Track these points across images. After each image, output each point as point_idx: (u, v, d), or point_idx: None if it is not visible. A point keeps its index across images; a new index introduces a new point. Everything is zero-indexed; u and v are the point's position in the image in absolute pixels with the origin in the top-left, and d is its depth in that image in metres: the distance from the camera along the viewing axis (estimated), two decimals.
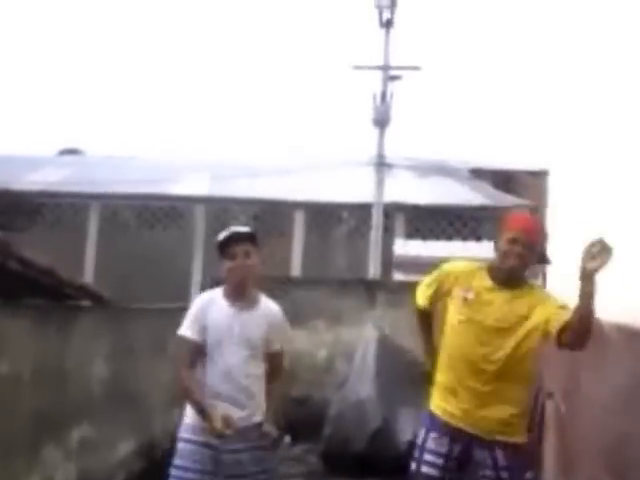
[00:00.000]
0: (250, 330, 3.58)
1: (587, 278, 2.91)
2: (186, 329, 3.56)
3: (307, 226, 16.93)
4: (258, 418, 3.54)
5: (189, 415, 3.54)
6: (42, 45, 40.25)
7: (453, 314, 3.37)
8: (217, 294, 3.64)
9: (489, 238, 13.76)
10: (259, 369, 3.62)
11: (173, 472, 3.48)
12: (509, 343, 3.21)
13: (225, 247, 3.56)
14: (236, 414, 3.42)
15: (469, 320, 3.29)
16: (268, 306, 3.71)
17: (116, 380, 5.72)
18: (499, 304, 3.25)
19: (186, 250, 16.46)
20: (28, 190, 16.45)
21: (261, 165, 18.04)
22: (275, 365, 3.72)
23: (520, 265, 3.22)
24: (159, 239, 16.72)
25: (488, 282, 3.29)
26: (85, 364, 5.23)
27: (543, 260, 3.36)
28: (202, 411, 3.38)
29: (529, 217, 3.41)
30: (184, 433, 3.55)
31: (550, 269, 5.58)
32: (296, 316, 8.60)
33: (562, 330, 3.08)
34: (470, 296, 3.28)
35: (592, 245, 2.86)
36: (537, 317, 3.19)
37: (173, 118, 40.68)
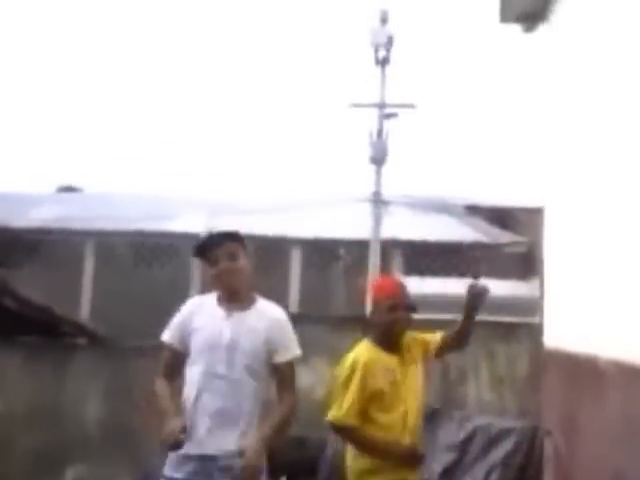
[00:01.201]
0: (244, 335, 3.10)
1: (471, 315, 3.40)
2: (167, 334, 3.22)
3: (304, 263, 16.94)
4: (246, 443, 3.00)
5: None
6: (40, 83, 40.67)
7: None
8: (209, 298, 3.25)
9: (487, 275, 13.78)
10: (255, 384, 3.09)
11: None
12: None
13: (206, 252, 3.19)
14: (221, 435, 3.00)
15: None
16: (267, 308, 3.23)
17: (111, 418, 5.67)
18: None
19: (183, 287, 16.42)
20: (26, 227, 16.47)
21: (258, 201, 18.11)
22: (282, 380, 3.15)
23: (408, 325, 3.48)
24: (156, 276, 16.70)
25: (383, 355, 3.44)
26: (80, 402, 5.19)
27: (412, 309, 3.57)
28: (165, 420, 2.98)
29: (389, 279, 3.85)
30: (166, 470, 3.10)
31: (547, 303, 5.58)
32: None
33: (442, 342, 3.53)
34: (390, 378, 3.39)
35: (472, 287, 3.37)
36: (417, 352, 3.53)
37: (170, 155, 40.95)
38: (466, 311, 3.42)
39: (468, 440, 6.10)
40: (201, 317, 3.18)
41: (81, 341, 5.97)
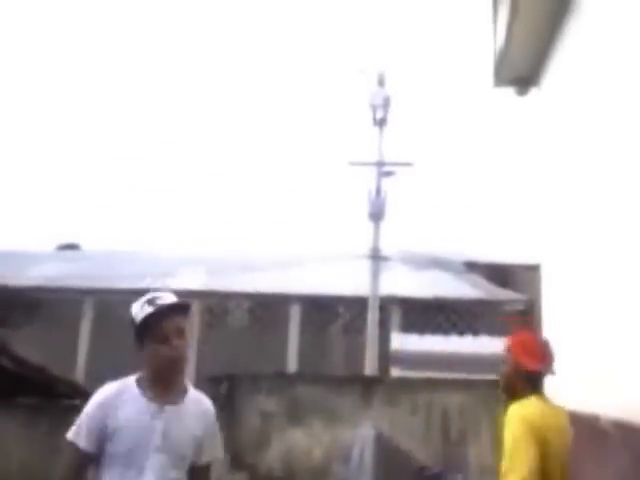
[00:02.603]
0: (178, 434, 2.67)
1: None
2: (77, 435, 2.64)
3: (303, 320, 16.87)
4: None
5: None
6: (39, 140, 41.19)
7: None
8: (127, 386, 2.73)
9: (485, 332, 13.72)
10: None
11: None
12: None
13: (151, 325, 2.69)
14: None
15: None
16: (200, 401, 2.80)
17: None
18: None
19: None
20: (24, 285, 16.47)
21: (257, 259, 18.15)
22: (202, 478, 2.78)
23: None
24: None
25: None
26: None
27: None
28: None
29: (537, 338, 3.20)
30: None
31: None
32: (292, 414, 8.51)
33: None
34: None
35: None
36: None
37: (169, 213, 41.18)
38: None
39: None
40: (123, 413, 2.65)
41: (77, 402, 5.91)
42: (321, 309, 16.90)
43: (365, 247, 15.86)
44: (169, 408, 2.68)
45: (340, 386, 8.71)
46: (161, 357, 2.65)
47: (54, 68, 43.37)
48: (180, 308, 2.74)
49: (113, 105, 43.15)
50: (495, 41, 6.21)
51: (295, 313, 16.82)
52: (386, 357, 13.60)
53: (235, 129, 42.33)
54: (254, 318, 15.88)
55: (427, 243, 19.21)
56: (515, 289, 16.45)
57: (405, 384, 8.25)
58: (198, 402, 2.78)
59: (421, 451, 6.60)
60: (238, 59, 44.97)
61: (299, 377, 11.60)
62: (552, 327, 5.41)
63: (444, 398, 7.37)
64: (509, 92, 6.24)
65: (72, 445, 2.63)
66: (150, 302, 2.73)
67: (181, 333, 2.68)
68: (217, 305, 16.83)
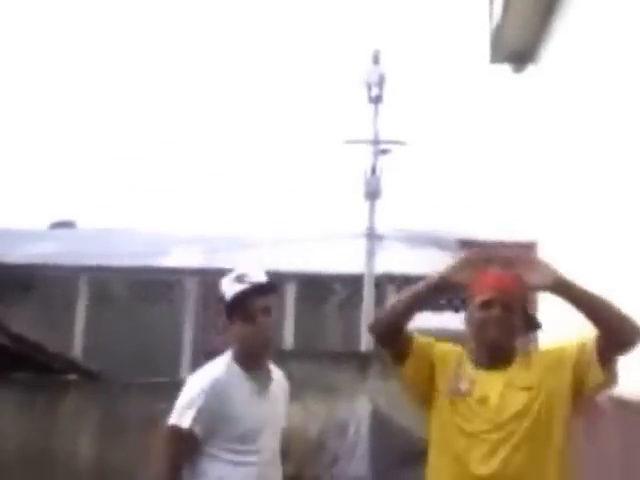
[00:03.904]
0: (278, 413, 2.77)
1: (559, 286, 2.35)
2: (190, 418, 2.55)
3: (299, 298, 16.92)
4: None
5: None
6: (34, 118, 40.89)
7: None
8: (230, 367, 2.66)
9: None
10: (279, 462, 2.79)
11: None
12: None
13: (239, 303, 2.61)
14: None
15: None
16: (280, 379, 2.85)
17: (103, 455, 5.61)
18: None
19: (177, 323, 16.37)
20: (19, 263, 16.45)
21: (253, 237, 18.14)
22: (283, 445, 2.86)
23: (504, 333, 2.42)
24: (149, 312, 16.64)
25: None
26: (72, 440, 5.14)
27: (532, 325, 2.59)
28: None
29: (503, 273, 2.46)
30: None
31: (542, 338, 5.55)
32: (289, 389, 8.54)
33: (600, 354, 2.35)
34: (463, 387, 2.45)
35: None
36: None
37: (165, 191, 41.10)
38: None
39: None
40: (234, 395, 2.61)
41: (73, 377, 5.94)
42: (317, 287, 16.94)
43: (361, 225, 15.89)
44: (268, 390, 2.70)
45: (336, 362, 8.75)
46: (248, 336, 2.61)
47: (48, 47, 43.00)
48: (269, 286, 2.69)
49: (108, 82, 42.87)
50: (491, 17, 6.17)
51: (291, 291, 16.86)
52: None
53: (230, 107, 42.15)
54: None
55: (423, 221, 19.22)
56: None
57: None
58: (280, 380, 2.82)
59: (417, 426, 6.66)
60: (233, 37, 44.63)
61: (295, 353, 11.66)
62: (549, 304, 5.43)
63: None
64: (506, 69, 6.22)
65: (182, 431, 2.55)
66: (239, 279, 2.65)
67: (268, 312, 2.64)
68: (213, 283, 16.86)
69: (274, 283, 2.75)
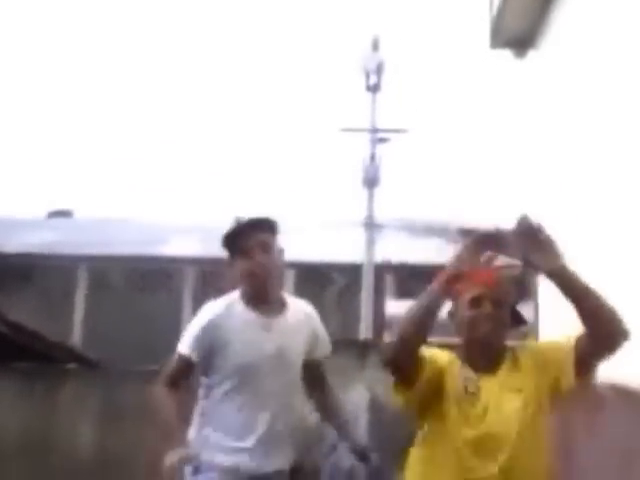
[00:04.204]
0: (288, 347, 2.74)
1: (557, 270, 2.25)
2: (187, 346, 2.68)
3: (297, 286, 16.91)
4: (304, 457, 2.88)
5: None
6: (31, 107, 40.77)
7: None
8: (233, 302, 2.75)
9: None
10: (300, 398, 2.85)
11: None
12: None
13: (236, 241, 2.71)
14: (275, 455, 2.72)
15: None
16: (300, 308, 2.85)
17: (102, 445, 5.61)
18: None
19: (176, 311, 16.36)
20: (17, 252, 16.42)
21: None
22: (321, 374, 2.95)
23: (495, 330, 2.35)
24: (148, 300, 16.64)
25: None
26: (71, 428, 5.14)
27: (518, 320, 2.51)
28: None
29: (490, 269, 2.42)
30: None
31: (542, 326, 5.56)
32: None
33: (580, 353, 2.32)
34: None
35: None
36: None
37: (162, 179, 41.01)
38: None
39: None
40: (232, 327, 2.68)
41: (72, 366, 5.93)
42: (315, 276, 16.93)
43: (360, 214, 15.86)
44: (275, 321, 2.72)
45: (334, 350, 8.75)
46: (245, 272, 2.69)
47: (48, 38, 42.79)
48: (263, 224, 2.75)
49: (105, 71, 42.70)
50: (492, 2, 6.13)
51: (289, 279, 16.85)
52: (381, 323, 13.68)
53: (228, 95, 41.99)
54: None
55: (422, 209, 19.20)
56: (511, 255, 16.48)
57: None
58: (300, 309, 2.84)
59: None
60: (230, 24, 44.44)
61: None
62: (547, 292, 5.42)
63: None
64: (506, 54, 6.18)
65: (181, 356, 2.68)
66: (236, 220, 2.75)
67: (266, 248, 2.69)
68: (211, 272, 16.85)
69: (270, 221, 2.78)
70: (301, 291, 17.13)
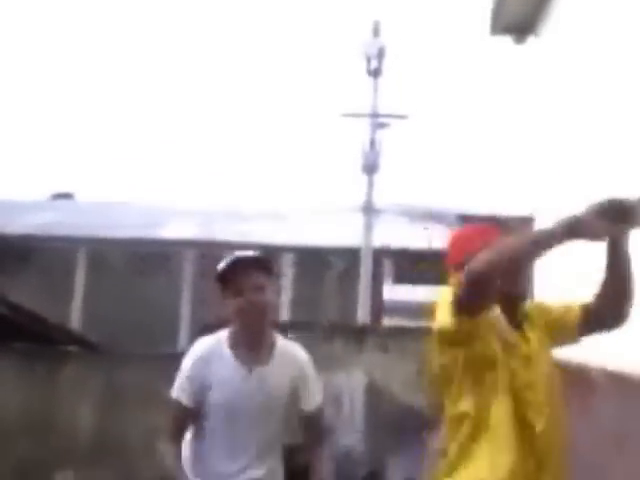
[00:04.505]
0: (272, 394, 2.68)
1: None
2: (180, 390, 2.68)
3: (296, 271, 16.96)
4: None
5: None
6: (34, 90, 40.64)
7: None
8: (220, 343, 2.69)
9: None
10: (279, 444, 2.80)
11: None
12: None
13: (229, 280, 2.64)
14: None
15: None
16: (289, 351, 2.77)
17: (101, 425, 5.66)
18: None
19: (174, 295, 16.41)
20: (18, 234, 16.44)
21: (250, 210, 18.13)
22: (313, 428, 2.84)
23: (529, 286, 2.39)
24: (147, 283, 16.68)
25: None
26: (71, 409, 5.19)
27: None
28: None
29: (486, 226, 2.45)
30: None
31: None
32: None
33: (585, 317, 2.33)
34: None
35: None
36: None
37: (163, 163, 40.95)
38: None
39: None
40: (217, 371, 2.64)
41: (72, 348, 5.98)
42: (315, 260, 16.97)
43: (359, 199, 15.87)
44: (259, 369, 2.65)
45: (332, 334, 8.79)
46: (238, 310, 2.61)
47: (48, 21, 42.55)
48: (257, 263, 2.67)
49: (108, 55, 42.52)
50: None
51: (289, 263, 16.89)
52: (379, 307, 13.74)
53: (228, 80, 41.85)
54: None
55: (420, 196, 19.21)
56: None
57: (397, 333, 8.35)
58: (287, 353, 2.74)
59: (413, 398, 6.72)
60: (230, 7, 44.18)
61: (292, 325, 11.70)
62: (544, 276, 5.44)
63: None
64: (506, 40, 6.17)
65: (176, 402, 2.66)
66: (232, 258, 2.67)
67: (259, 289, 2.62)
68: (210, 255, 16.89)
69: (261, 259, 2.71)
70: (300, 275, 17.18)
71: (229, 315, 2.67)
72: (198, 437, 2.69)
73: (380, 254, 15.87)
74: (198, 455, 2.68)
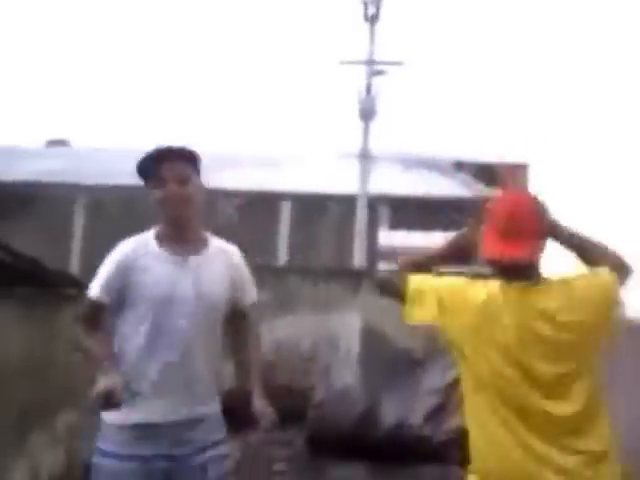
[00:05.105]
0: (207, 284, 2.53)
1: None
2: (97, 289, 2.51)
3: (293, 217, 17.03)
4: (207, 408, 2.57)
5: (109, 414, 2.44)
6: (30, 38, 39.98)
7: None
8: (147, 239, 2.59)
9: None
10: (217, 342, 2.59)
11: None
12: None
13: (148, 171, 2.51)
14: (177, 409, 2.50)
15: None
16: (224, 247, 2.66)
17: None
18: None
19: None
20: (15, 180, 16.44)
21: (247, 156, 18.09)
22: (247, 324, 2.69)
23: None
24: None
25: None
26: (71, 351, 5.29)
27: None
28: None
29: (515, 197, 2.34)
30: (102, 443, 2.52)
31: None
32: (282, 304, 8.75)
33: None
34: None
35: None
36: None
37: (159, 110, 40.58)
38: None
39: (451, 386, 6.28)
40: (143, 265, 2.51)
41: (71, 291, 6.06)
42: (311, 206, 17.03)
43: (355, 146, 15.84)
44: (193, 258, 2.54)
45: (329, 277, 8.92)
46: (160, 203, 2.50)
47: None
48: (181, 153, 2.54)
49: (103, 3, 41.68)
50: None
51: (285, 210, 16.95)
52: (374, 253, 13.86)
53: (225, 27, 41.17)
54: (244, 214, 16.01)
55: (416, 143, 19.17)
56: (501, 188, 16.59)
57: (392, 276, 8.47)
58: (222, 249, 2.64)
59: (408, 340, 6.87)
60: None
61: (289, 269, 11.84)
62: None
63: None
64: None
65: (91, 300, 2.53)
66: (152, 150, 2.54)
67: (183, 180, 2.50)
68: (207, 202, 16.91)
69: (185, 150, 2.56)
70: (297, 221, 17.25)
71: (154, 208, 2.54)
72: (124, 343, 2.52)
73: (376, 201, 15.93)
74: (126, 361, 2.50)
